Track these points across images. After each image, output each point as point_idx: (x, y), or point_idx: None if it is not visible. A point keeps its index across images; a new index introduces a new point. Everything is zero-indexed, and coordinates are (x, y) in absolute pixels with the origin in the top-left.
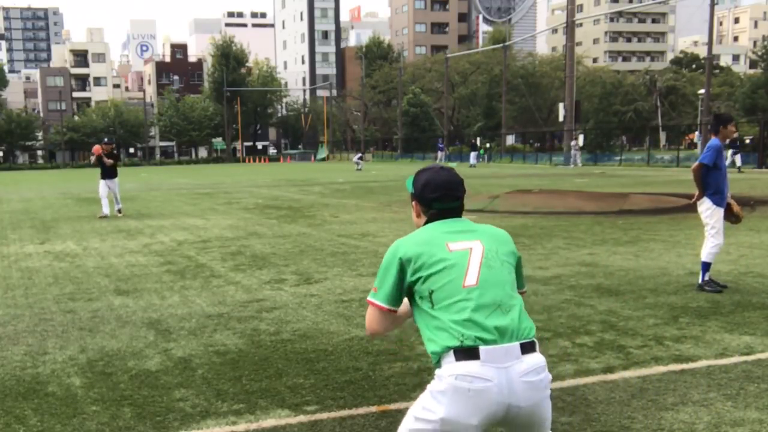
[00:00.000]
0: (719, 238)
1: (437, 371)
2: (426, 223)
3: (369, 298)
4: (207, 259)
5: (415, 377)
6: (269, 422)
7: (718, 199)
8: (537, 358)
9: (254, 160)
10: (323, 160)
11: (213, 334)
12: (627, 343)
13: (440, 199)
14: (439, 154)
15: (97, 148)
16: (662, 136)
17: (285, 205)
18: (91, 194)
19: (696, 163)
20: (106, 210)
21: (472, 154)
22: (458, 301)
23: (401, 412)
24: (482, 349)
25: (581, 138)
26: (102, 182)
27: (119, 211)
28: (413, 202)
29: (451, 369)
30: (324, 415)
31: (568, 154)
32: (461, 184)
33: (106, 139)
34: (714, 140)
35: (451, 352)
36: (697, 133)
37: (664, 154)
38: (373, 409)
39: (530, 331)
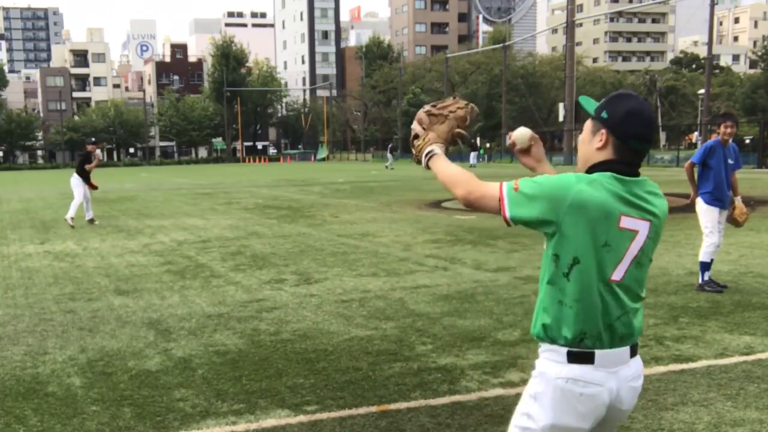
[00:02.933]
0: (714, 238)
1: (540, 365)
2: (605, 164)
3: (504, 190)
4: (207, 259)
5: (415, 377)
6: (269, 422)
7: (710, 198)
8: (639, 362)
9: (254, 160)
10: (323, 160)
11: (213, 334)
12: None
13: (641, 138)
14: None
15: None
16: (662, 136)
17: (285, 205)
18: (91, 194)
19: (687, 162)
20: (89, 213)
21: (472, 154)
22: (596, 293)
23: (401, 412)
24: (598, 352)
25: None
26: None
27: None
28: (602, 130)
29: (559, 370)
30: (324, 415)
31: (569, 155)
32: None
33: (93, 139)
34: (712, 139)
35: (565, 351)
36: (696, 133)
37: (664, 154)
38: (373, 409)
39: (640, 331)
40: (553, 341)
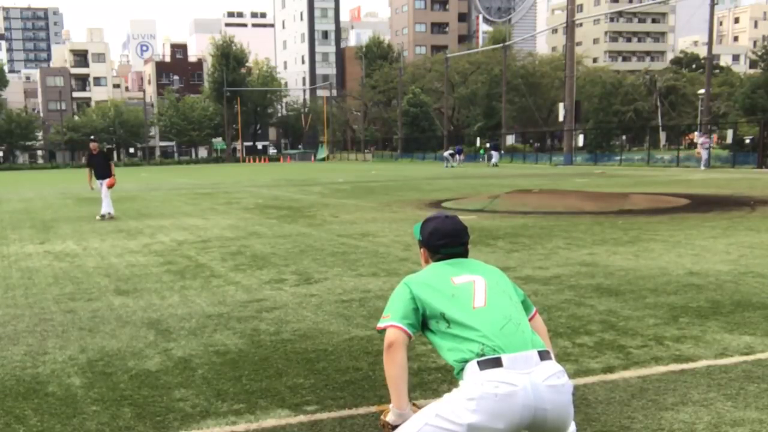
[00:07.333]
0: None
1: (461, 382)
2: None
3: (379, 325)
4: (207, 259)
5: (415, 377)
6: (269, 422)
7: None
8: (555, 365)
9: (254, 160)
10: (323, 160)
11: (213, 334)
12: (627, 343)
13: (446, 246)
14: (458, 157)
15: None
16: (662, 136)
17: (285, 205)
18: (91, 194)
19: None
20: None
21: (494, 153)
22: (471, 318)
23: None
24: (504, 357)
25: (581, 138)
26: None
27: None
28: (421, 249)
29: (476, 378)
30: (324, 415)
31: (569, 155)
32: (466, 231)
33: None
34: None
35: (475, 362)
36: (696, 133)
37: (664, 154)
38: (373, 409)
39: (542, 343)
40: (468, 365)
